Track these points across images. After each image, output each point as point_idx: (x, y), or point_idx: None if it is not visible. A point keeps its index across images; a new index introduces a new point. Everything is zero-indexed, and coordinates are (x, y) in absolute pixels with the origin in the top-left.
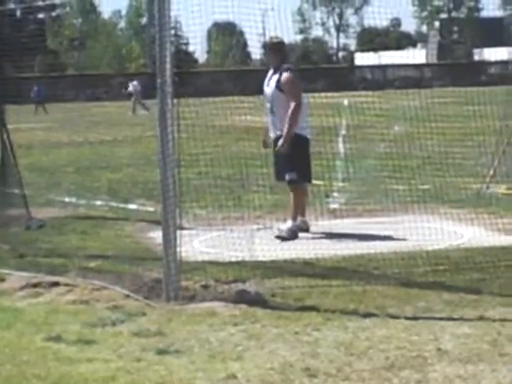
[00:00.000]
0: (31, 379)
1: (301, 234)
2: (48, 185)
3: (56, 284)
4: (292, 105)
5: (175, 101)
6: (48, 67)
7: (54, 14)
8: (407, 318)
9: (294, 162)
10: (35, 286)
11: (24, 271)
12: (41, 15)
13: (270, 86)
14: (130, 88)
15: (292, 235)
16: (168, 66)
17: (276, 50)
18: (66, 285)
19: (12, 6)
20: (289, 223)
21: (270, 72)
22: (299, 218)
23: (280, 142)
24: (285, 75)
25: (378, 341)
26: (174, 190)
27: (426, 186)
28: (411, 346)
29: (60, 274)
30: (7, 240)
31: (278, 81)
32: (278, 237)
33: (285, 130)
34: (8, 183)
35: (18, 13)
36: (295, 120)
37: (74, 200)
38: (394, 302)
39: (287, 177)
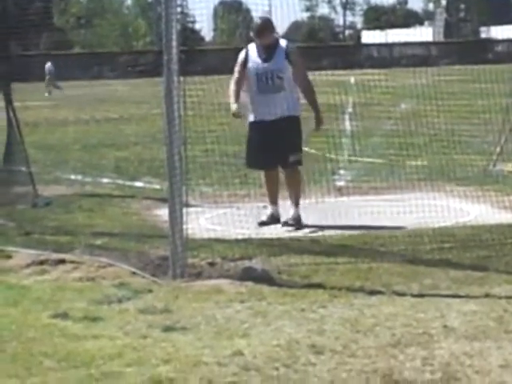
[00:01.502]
0: (37, 356)
1: (307, 212)
2: (54, 162)
3: (62, 261)
4: (307, 80)
5: (181, 78)
6: (54, 45)
7: None
8: (413, 296)
9: (298, 142)
10: (41, 263)
11: (30, 249)
12: None
13: (271, 60)
14: (46, 69)
15: (298, 224)
16: (174, 43)
17: (270, 29)
18: (72, 262)
19: None
20: (296, 211)
21: (256, 49)
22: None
23: (319, 122)
24: (292, 49)
25: (384, 318)
26: (181, 167)
27: (432, 164)
28: (417, 324)
29: (66, 251)
30: (14, 217)
31: (287, 54)
32: (291, 225)
33: (315, 107)
34: (15, 161)
35: None
36: (315, 94)
37: (80, 178)
38: (400, 279)
39: (292, 158)
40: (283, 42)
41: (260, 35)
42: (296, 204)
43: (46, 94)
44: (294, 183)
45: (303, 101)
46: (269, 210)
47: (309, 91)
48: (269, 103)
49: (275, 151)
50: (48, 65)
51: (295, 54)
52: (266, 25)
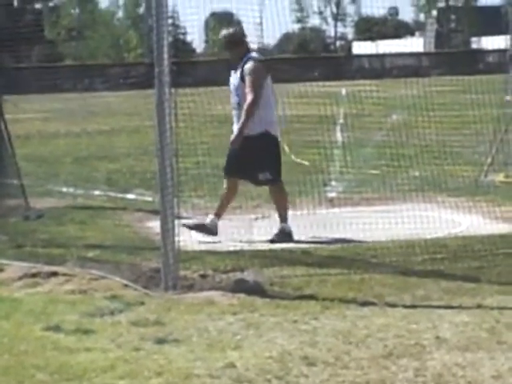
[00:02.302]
0: (30, 369)
1: (298, 223)
2: (46, 175)
3: (54, 274)
4: (249, 98)
5: (173, 90)
6: (46, 57)
7: (51, 3)
8: (405, 307)
9: (267, 161)
10: (33, 276)
11: (22, 261)
12: (38, 5)
13: (234, 79)
14: None
15: (286, 238)
16: (165, 55)
17: (236, 42)
18: (65, 275)
19: None
20: (281, 226)
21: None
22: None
23: (232, 138)
24: (247, 65)
25: (376, 329)
26: (172, 179)
27: (423, 175)
28: (409, 335)
29: (58, 263)
30: (5, 230)
31: (242, 71)
32: (271, 241)
33: (238, 125)
34: (6, 173)
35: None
36: (250, 114)
37: (72, 190)
38: (392, 290)
39: (261, 177)
40: (248, 57)
41: (226, 48)
42: (281, 219)
43: None
44: (276, 199)
45: (294, 112)
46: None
47: (244, 111)
48: (235, 120)
49: (244, 166)
50: None
51: (247, 69)
52: (229, 38)
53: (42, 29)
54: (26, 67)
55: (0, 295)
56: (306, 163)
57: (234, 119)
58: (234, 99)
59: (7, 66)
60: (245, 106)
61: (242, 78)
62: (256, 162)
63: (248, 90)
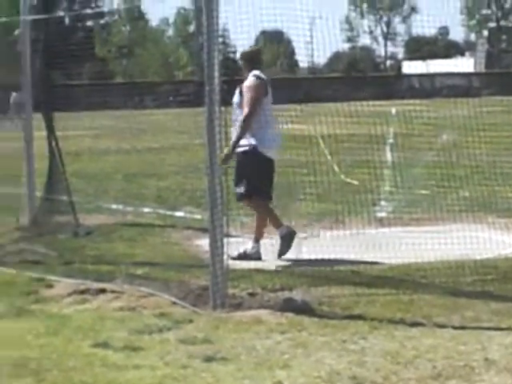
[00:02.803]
0: None
1: (348, 243)
2: (96, 192)
3: (103, 291)
4: (244, 111)
5: (223, 108)
6: (96, 75)
7: (102, 21)
8: (454, 328)
9: (243, 177)
10: (82, 292)
11: (71, 278)
12: (89, 23)
13: (236, 96)
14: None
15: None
16: (216, 73)
17: (246, 60)
18: (113, 291)
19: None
20: (252, 245)
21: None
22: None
23: (225, 151)
24: (247, 81)
25: (424, 350)
26: (222, 197)
27: (473, 195)
28: (458, 356)
29: (107, 280)
30: (55, 247)
31: (241, 87)
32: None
33: (232, 140)
34: (56, 190)
35: (67, 20)
36: (246, 128)
37: (121, 207)
38: (442, 311)
39: (236, 190)
40: (251, 74)
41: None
42: (254, 239)
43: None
44: (256, 217)
45: (344, 131)
46: None
47: (239, 126)
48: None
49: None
50: (14, 95)
51: (246, 86)
52: (241, 56)
53: (93, 46)
54: (77, 84)
55: (49, 311)
56: (356, 183)
57: (232, 136)
58: (233, 116)
59: (58, 83)
60: (241, 120)
61: (241, 93)
62: (236, 175)
63: (245, 104)
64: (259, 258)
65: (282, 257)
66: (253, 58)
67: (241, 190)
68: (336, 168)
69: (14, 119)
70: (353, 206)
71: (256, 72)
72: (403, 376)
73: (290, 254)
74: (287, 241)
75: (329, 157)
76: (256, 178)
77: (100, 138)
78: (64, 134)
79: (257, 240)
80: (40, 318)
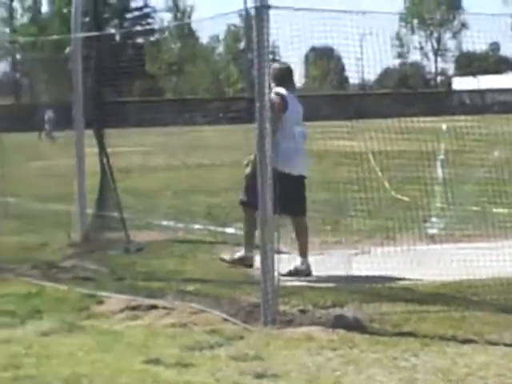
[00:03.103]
0: None
1: (399, 259)
2: (146, 208)
3: (154, 307)
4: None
5: None
6: (147, 91)
7: (152, 38)
8: (506, 345)
9: (252, 186)
10: (134, 308)
11: (123, 294)
12: (140, 40)
13: (300, 107)
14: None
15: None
16: (266, 90)
17: (272, 77)
18: (164, 308)
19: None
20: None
21: (286, 92)
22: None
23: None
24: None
25: (476, 368)
26: (272, 214)
27: None
28: (510, 373)
29: (158, 297)
30: (106, 263)
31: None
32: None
33: None
34: (107, 206)
35: (118, 38)
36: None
37: (172, 223)
38: (493, 328)
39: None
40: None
41: None
42: (302, 254)
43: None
44: (295, 233)
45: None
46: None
47: None
48: None
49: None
50: (48, 112)
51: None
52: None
53: (144, 63)
54: (128, 101)
55: (100, 328)
56: (406, 199)
57: None
58: None
59: (109, 100)
60: None
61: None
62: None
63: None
64: (309, 274)
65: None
66: (280, 76)
67: (240, 195)
68: (387, 184)
69: (50, 135)
70: (404, 222)
71: (277, 89)
72: None
73: (341, 271)
74: (240, 264)
75: (379, 173)
76: (245, 187)
77: (150, 155)
78: (115, 150)
79: (304, 255)
80: (91, 334)
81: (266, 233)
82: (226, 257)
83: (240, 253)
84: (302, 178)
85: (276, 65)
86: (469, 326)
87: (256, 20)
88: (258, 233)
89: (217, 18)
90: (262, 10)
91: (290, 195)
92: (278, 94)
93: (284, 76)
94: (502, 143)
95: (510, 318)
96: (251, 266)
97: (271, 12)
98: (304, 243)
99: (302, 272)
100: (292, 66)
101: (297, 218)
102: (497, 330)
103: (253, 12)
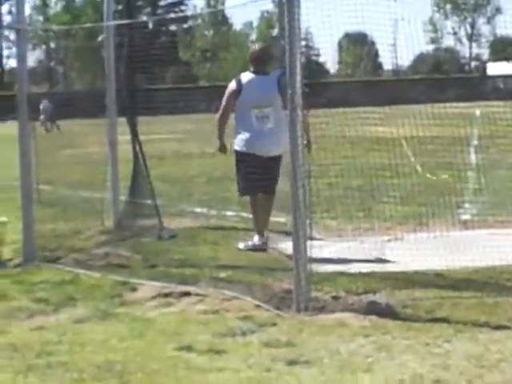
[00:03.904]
0: None
1: (431, 245)
2: (180, 195)
3: (187, 294)
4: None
5: (305, 112)
6: (180, 79)
7: (185, 25)
8: None
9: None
10: (166, 295)
11: (155, 281)
12: (173, 27)
13: (267, 89)
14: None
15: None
16: (298, 77)
17: (249, 59)
18: (197, 295)
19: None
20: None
21: (250, 76)
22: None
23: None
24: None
25: (509, 353)
26: (305, 200)
27: None
28: None
29: (191, 283)
30: (139, 250)
31: (279, 82)
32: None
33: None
34: (141, 194)
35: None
36: (217, 127)
37: (205, 210)
38: None
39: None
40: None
41: (266, 61)
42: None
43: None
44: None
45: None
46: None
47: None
48: (268, 132)
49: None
50: (44, 102)
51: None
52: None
53: (177, 51)
54: (161, 89)
55: (133, 314)
56: (444, 176)
57: (258, 136)
58: (264, 111)
59: (142, 87)
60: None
61: (280, 90)
62: None
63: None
64: (265, 249)
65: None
66: (251, 60)
67: (237, 187)
68: (419, 168)
69: (46, 124)
70: (437, 208)
71: (243, 73)
72: (488, 380)
73: (374, 257)
74: (251, 249)
75: (412, 158)
76: (236, 175)
77: (184, 142)
78: (148, 138)
79: (262, 232)
80: (124, 321)
81: (298, 219)
82: (241, 245)
83: (253, 240)
84: (266, 158)
85: (253, 47)
86: (502, 312)
87: (287, 6)
88: (289, 219)
89: (250, 4)
90: None
91: (257, 174)
92: (235, 79)
93: (255, 59)
94: None
95: None
96: (265, 250)
97: None
98: (266, 220)
99: (260, 247)
100: (269, 46)
101: (265, 196)
102: None
103: None
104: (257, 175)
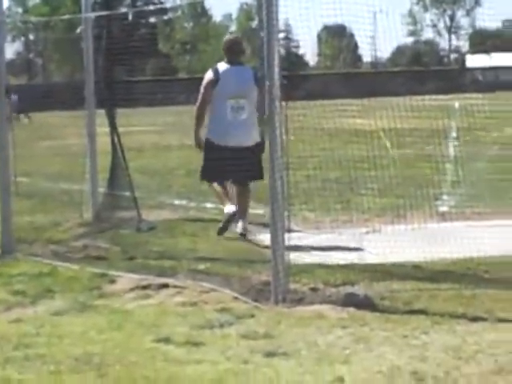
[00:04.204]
0: (139, 380)
1: (409, 237)
2: (159, 187)
3: (165, 286)
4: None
5: (283, 103)
6: (160, 71)
7: (165, 17)
8: None
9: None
10: (145, 287)
11: (134, 273)
12: (152, 19)
13: (244, 80)
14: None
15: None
16: (276, 69)
17: (222, 49)
18: (175, 287)
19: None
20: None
21: (226, 66)
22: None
23: None
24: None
25: (486, 345)
26: (283, 192)
27: None
28: None
29: (169, 275)
30: (118, 242)
31: (256, 75)
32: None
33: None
34: (119, 186)
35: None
36: (195, 118)
37: (184, 202)
38: (504, 305)
39: None
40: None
41: (239, 51)
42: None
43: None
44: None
45: (405, 125)
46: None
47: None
48: (243, 123)
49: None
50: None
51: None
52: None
53: (156, 43)
54: (140, 81)
55: (112, 306)
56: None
57: (233, 127)
58: (240, 101)
59: (121, 79)
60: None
61: (256, 82)
62: None
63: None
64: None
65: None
66: (224, 50)
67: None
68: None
69: (14, 118)
70: (415, 200)
71: (219, 64)
72: (465, 371)
73: (352, 249)
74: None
75: (390, 150)
76: (203, 160)
77: (163, 134)
78: (127, 130)
79: (244, 217)
80: (103, 313)
81: (276, 211)
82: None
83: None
84: (239, 148)
85: (226, 37)
86: (479, 304)
87: None
88: (267, 211)
89: None
90: None
91: (230, 165)
92: (212, 69)
93: (227, 49)
94: None
95: None
96: (244, 235)
97: None
98: (245, 208)
99: (228, 216)
100: (241, 38)
101: (240, 186)
102: (507, 308)
103: None
104: (227, 166)
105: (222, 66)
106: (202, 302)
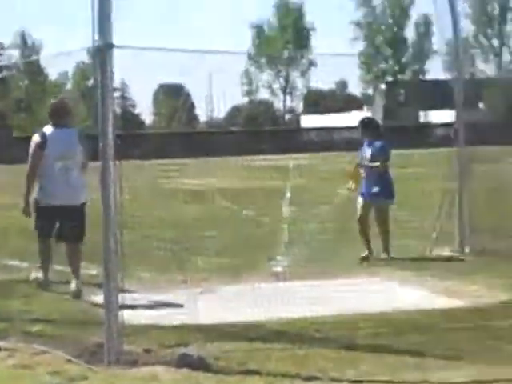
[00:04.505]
0: None
1: (244, 298)
2: None
3: None
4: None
5: (118, 162)
6: None
7: (0, 75)
8: (350, 381)
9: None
10: None
11: None
12: None
13: (70, 142)
14: None
15: None
16: (110, 128)
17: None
18: (6, 350)
19: None
20: None
21: (51, 130)
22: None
23: None
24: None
25: None
26: (116, 251)
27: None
28: None
29: (1, 338)
30: None
31: (80, 136)
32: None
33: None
34: None
35: None
36: (26, 181)
37: (17, 263)
38: (337, 365)
39: None
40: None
41: None
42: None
43: None
44: None
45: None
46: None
47: None
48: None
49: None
50: None
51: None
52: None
53: None
54: None
55: None
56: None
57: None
58: (66, 163)
59: None
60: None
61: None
62: None
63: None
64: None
65: None
66: (50, 114)
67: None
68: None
69: None
70: (250, 260)
71: (45, 127)
72: None
73: (186, 310)
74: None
75: (227, 209)
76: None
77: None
78: None
79: (78, 277)
80: None
81: (109, 271)
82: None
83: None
84: (69, 208)
85: (51, 101)
86: (312, 364)
87: (99, 59)
88: (100, 271)
89: (65, 54)
90: (105, 48)
91: (62, 224)
92: (39, 133)
93: (52, 112)
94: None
95: (353, 354)
96: (78, 296)
97: (115, 51)
98: (77, 268)
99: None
100: (67, 101)
101: (70, 244)
102: (340, 367)
103: (95, 51)
104: (53, 225)
105: (48, 130)
106: (35, 365)
